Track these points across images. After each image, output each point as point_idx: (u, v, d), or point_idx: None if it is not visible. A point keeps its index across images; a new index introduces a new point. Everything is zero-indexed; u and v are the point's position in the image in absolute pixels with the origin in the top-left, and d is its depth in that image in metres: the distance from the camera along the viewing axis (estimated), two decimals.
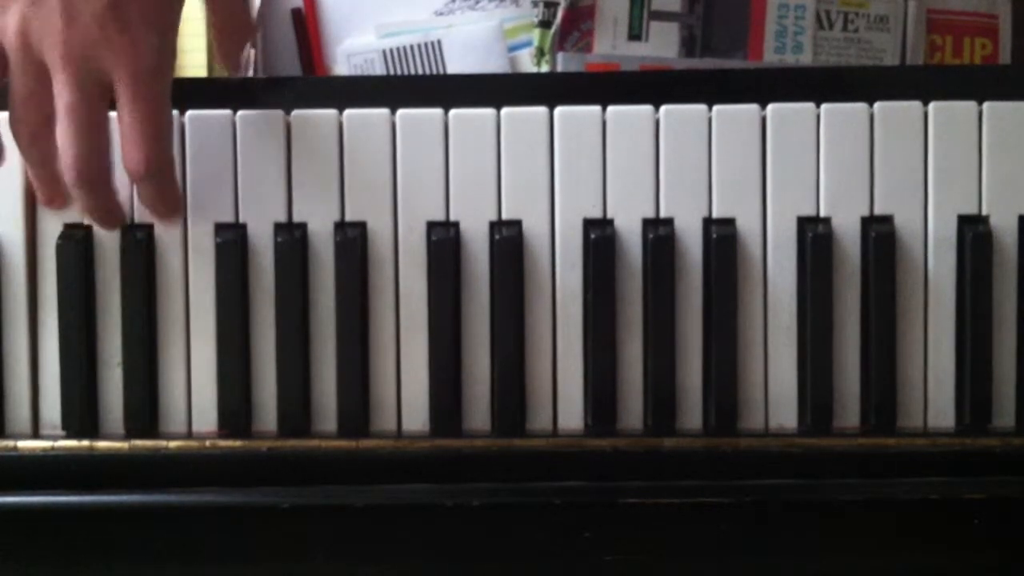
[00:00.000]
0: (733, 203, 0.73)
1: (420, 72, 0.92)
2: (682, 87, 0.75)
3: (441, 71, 0.92)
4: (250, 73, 0.78)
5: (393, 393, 0.73)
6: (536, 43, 0.92)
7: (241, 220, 0.73)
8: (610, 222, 0.73)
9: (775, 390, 0.73)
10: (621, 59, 0.91)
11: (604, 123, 0.73)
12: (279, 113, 0.74)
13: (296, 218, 0.74)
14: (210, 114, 0.73)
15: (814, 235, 0.72)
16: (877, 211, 0.73)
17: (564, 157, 0.73)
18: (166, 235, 0.73)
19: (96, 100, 0.68)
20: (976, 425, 0.72)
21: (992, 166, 0.73)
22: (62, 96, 0.68)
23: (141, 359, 0.73)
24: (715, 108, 0.73)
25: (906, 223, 0.73)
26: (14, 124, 0.70)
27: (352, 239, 0.73)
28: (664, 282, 0.72)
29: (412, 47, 0.93)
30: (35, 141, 0.69)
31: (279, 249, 0.73)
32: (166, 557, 0.70)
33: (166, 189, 0.71)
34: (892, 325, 0.72)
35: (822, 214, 0.73)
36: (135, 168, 0.68)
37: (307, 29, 0.94)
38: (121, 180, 0.71)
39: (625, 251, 0.73)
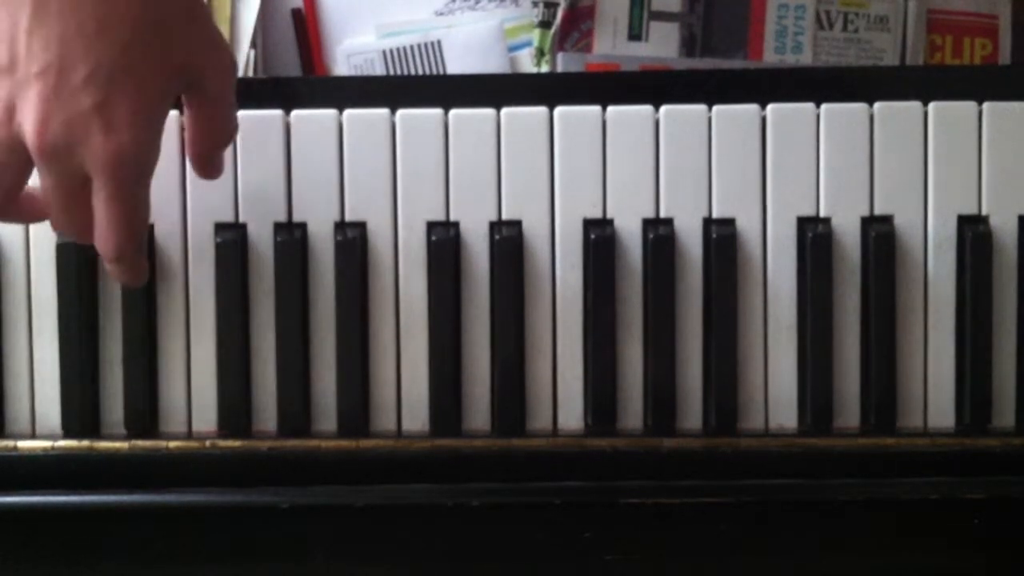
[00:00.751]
0: (733, 203, 0.73)
1: (420, 72, 0.92)
2: (682, 87, 0.75)
3: (441, 71, 0.92)
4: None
5: (393, 393, 0.73)
6: (536, 43, 0.92)
7: (241, 220, 0.73)
8: (610, 222, 0.73)
9: (775, 390, 0.73)
10: (621, 59, 0.91)
11: (604, 123, 0.73)
12: (279, 113, 0.74)
13: (296, 218, 0.74)
14: None
15: (814, 235, 0.72)
16: (877, 211, 0.73)
17: (564, 157, 0.73)
18: (166, 235, 0.73)
19: (75, 189, 0.65)
20: (976, 425, 0.72)
21: (992, 166, 0.73)
22: (43, 179, 0.65)
23: (141, 359, 0.73)
24: (715, 108, 0.73)
25: (906, 223, 0.73)
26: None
27: (352, 239, 0.73)
28: (664, 282, 0.72)
29: (412, 47, 0.93)
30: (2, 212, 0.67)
31: (279, 249, 0.73)
32: (166, 557, 0.70)
33: (133, 269, 0.69)
34: (892, 325, 0.72)
35: (822, 214, 0.73)
36: (105, 253, 0.66)
37: (307, 29, 0.94)
38: None
39: (625, 251, 0.73)
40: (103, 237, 0.66)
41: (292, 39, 0.94)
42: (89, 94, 0.62)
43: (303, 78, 0.91)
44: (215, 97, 0.68)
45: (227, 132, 0.70)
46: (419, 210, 0.73)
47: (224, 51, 0.68)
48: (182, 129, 0.73)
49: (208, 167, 0.71)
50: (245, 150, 0.73)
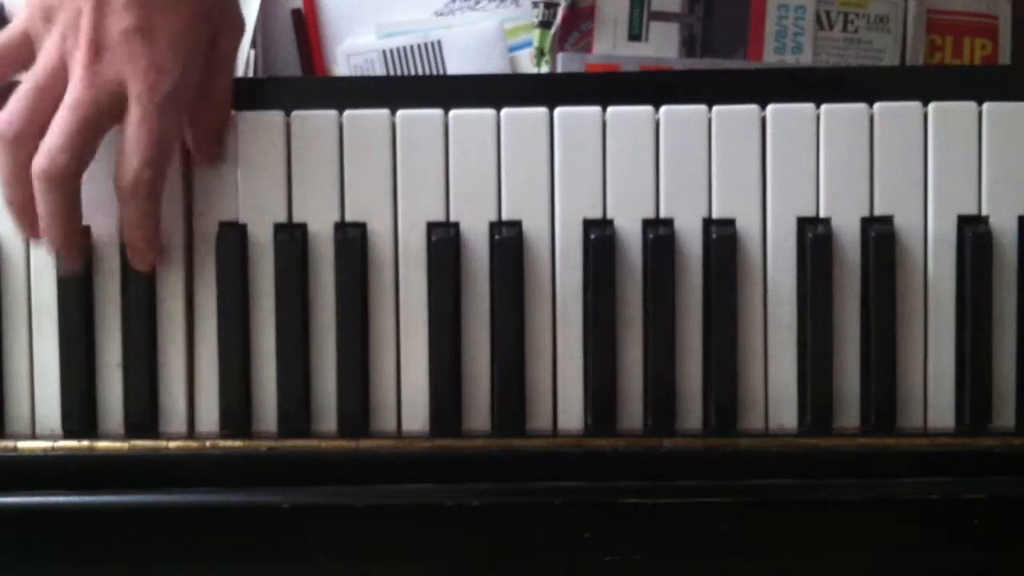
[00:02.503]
0: (733, 203, 0.73)
1: (420, 72, 0.92)
2: (682, 87, 0.75)
3: (441, 71, 0.92)
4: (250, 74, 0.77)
5: (393, 393, 0.73)
6: (536, 43, 0.92)
7: (241, 220, 0.74)
8: (610, 222, 0.73)
9: (775, 390, 0.73)
10: (621, 59, 0.91)
11: (604, 123, 0.73)
12: (279, 113, 0.74)
13: (296, 218, 0.74)
14: None
15: (814, 235, 0.72)
16: (877, 211, 0.73)
17: (564, 157, 0.73)
18: (167, 235, 0.73)
19: (101, 104, 0.68)
20: (976, 425, 0.72)
21: (992, 166, 0.73)
22: (71, 92, 0.68)
23: (141, 359, 0.73)
24: (715, 108, 0.73)
25: (906, 223, 0.73)
26: (5, 115, 0.69)
27: (352, 239, 0.73)
28: (664, 282, 0.72)
29: (412, 47, 0.93)
30: (19, 140, 0.68)
31: (279, 249, 0.73)
32: (166, 557, 0.70)
33: (145, 220, 0.70)
34: (892, 325, 0.72)
35: (822, 214, 0.73)
36: (123, 182, 0.68)
37: (307, 29, 0.94)
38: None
39: (625, 251, 0.73)
40: (124, 164, 0.68)
41: (292, 39, 0.95)
42: (131, 13, 0.68)
43: (303, 78, 0.91)
44: (225, 57, 0.72)
45: (226, 103, 0.73)
46: (419, 210, 0.73)
47: (240, 13, 0.74)
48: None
49: (207, 145, 0.72)
50: (245, 150, 0.73)
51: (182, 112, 0.70)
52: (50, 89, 0.69)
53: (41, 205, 0.69)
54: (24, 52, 0.71)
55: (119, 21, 0.68)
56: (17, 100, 0.69)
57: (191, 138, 0.73)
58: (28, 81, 0.69)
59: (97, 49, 0.68)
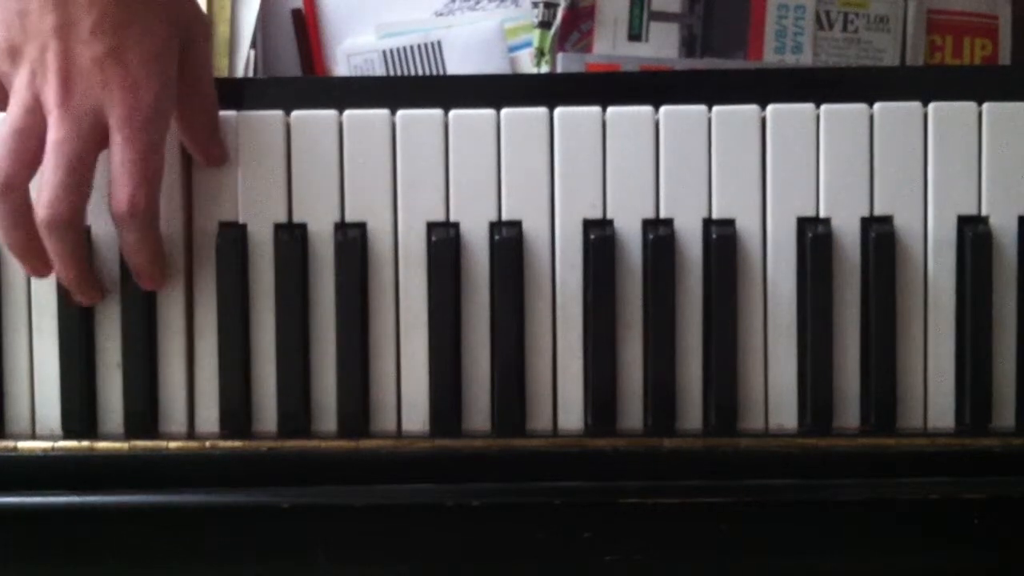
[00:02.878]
0: (733, 203, 0.73)
1: (420, 72, 0.92)
2: (682, 87, 0.75)
3: (441, 71, 0.92)
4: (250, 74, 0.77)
5: (393, 393, 0.73)
6: (536, 44, 0.92)
7: (241, 220, 0.74)
8: (610, 222, 0.73)
9: (775, 390, 0.73)
10: (621, 59, 0.91)
11: (604, 123, 0.73)
12: (279, 113, 0.74)
13: (296, 218, 0.74)
14: None
15: (814, 235, 0.72)
16: (877, 211, 0.73)
17: (564, 157, 0.73)
18: (166, 235, 0.73)
19: (85, 138, 0.67)
20: (976, 425, 0.72)
21: (992, 166, 0.73)
22: (52, 133, 0.67)
23: (141, 359, 0.73)
24: (715, 108, 0.73)
25: (906, 223, 0.73)
26: None
27: (352, 239, 0.73)
28: (664, 282, 0.72)
29: (412, 47, 0.93)
30: (9, 189, 0.68)
31: (279, 249, 0.73)
32: (166, 557, 0.70)
33: (148, 239, 0.70)
34: (892, 325, 0.72)
35: (822, 214, 0.73)
36: (118, 208, 0.68)
37: (307, 29, 0.94)
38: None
39: (625, 251, 0.73)
40: (118, 190, 0.68)
41: (292, 39, 0.95)
42: (99, 40, 0.68)
43: (303, 78, 0.91)
44: (202, 59, 0.72)
45: (214, 104, 0.73)
46: (419, 210, 0.73)
47: (206, 18, 0.74)
48: None
49: (212, 139, 0.72)
50: (245, 150, 0.73)
51: (165, 127, 0.69)
52: (29, 128, 0.68)
53: (50, 250, 0.69)
54: None
55: (88, 48, 0.67)
56: (1, 147, 0.68)
57: (190, 146, 0.72)
58: (5, 125, 0.68)
59: (68, 81, 0.67)
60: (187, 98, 0.71)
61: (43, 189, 0.67)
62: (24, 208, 0.68)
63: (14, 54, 0.69)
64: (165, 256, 0.72)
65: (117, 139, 0.68)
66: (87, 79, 0.67)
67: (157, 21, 0.69)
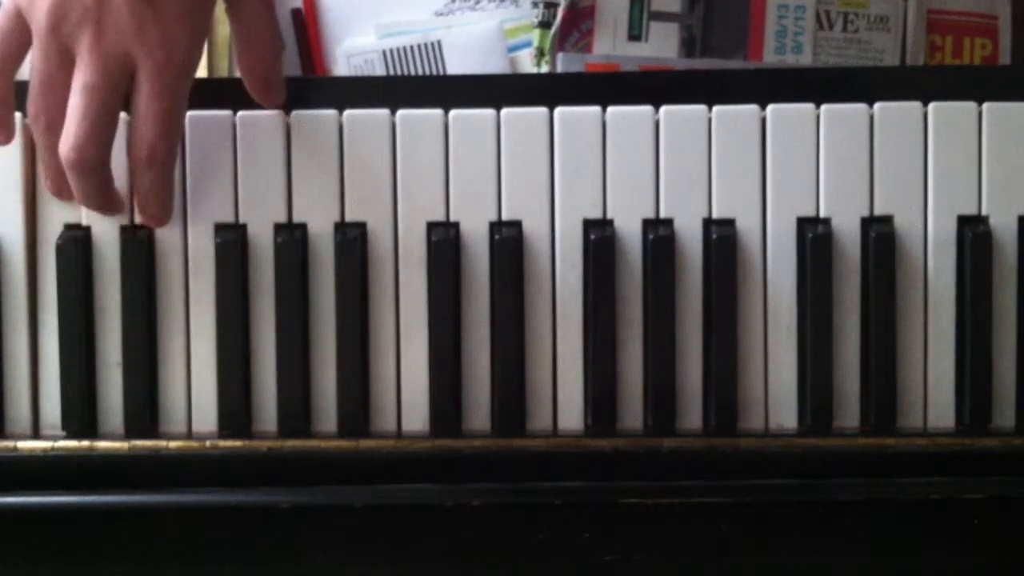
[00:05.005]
0: (733, 203, 0.73)
1: (420, 72, 0.92)
2: (682, 87, 0.75)
3: (441, 71, 0.92)
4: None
5: (393, 393, 0.73)
6: (536, 43, 0.92)
7: (241, 220, 0.74)
8: (610, 222, 0.73)
9: (775, 390, 0.73)
10: (621, 59, 0.91)
11: (604, 123, 0.73)
12: (279, 113, 0.74)
13: (296, 218, 0.74)
14: (210, 114, 0.73)
15: (814, 235, 0.72)
16: (877, 211, 0.73)
17: (564, 157, 0.73)
18: (166, 235, 0.73)
19: (115, 85, 0.68)
20: (976, 425, 0.72)
21: (992, 166, 0.73)
22: (81, 76, 0.68)
23: (141, 359, 0.73)
24: (715, 108, 0.73)
25: (906, 223, 0.73)
26: (32, 109, 0.70)
27: (352, 239, 0.73)
28: (664, 282, 0.72)
29: (412, 47, 0.93)
30: (51, 128, 0.69)
31: (279, 249, 0.73)
32: (166, 557, 0.70)
33: (162, 187, 0.71)
34: (892, 325, 0.72)
35: (822, 214, 0.73)
36: (139, 155, 0.69)
37: (307, 29, 0.94)
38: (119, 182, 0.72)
39: (625, 251, 0.73)
40: (140, 138, 0.68)
41: (292, 39, 0.94)
42: None
43: (303, 78, 0.91)
44: (250, 6, 0.72)
45: (271, 40, 0.73)
46: (419, 210, 0.73)
47: None
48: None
49: (264, 86, 0.72)
50: (245, 150, 0.73)
51: (190, 82, 0.70)
52: (58, 72, 0.68)
53: (76, 190, 0.70)
54: (23, 28, 0.70)
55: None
56: (36, 89, 0.69)
57: (249, 87, 0.73)
58: (37, 71, 0.69)
59: (102, 27, 0.68)
60: (243, 42, 0.72)
61: (69, 132, 0.68)
62: (5, 98, 0.70)
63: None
64: (173, 198, 0.72)
65: (145, 90, 0.68)
66: (121, 27, 0.68)
67: None
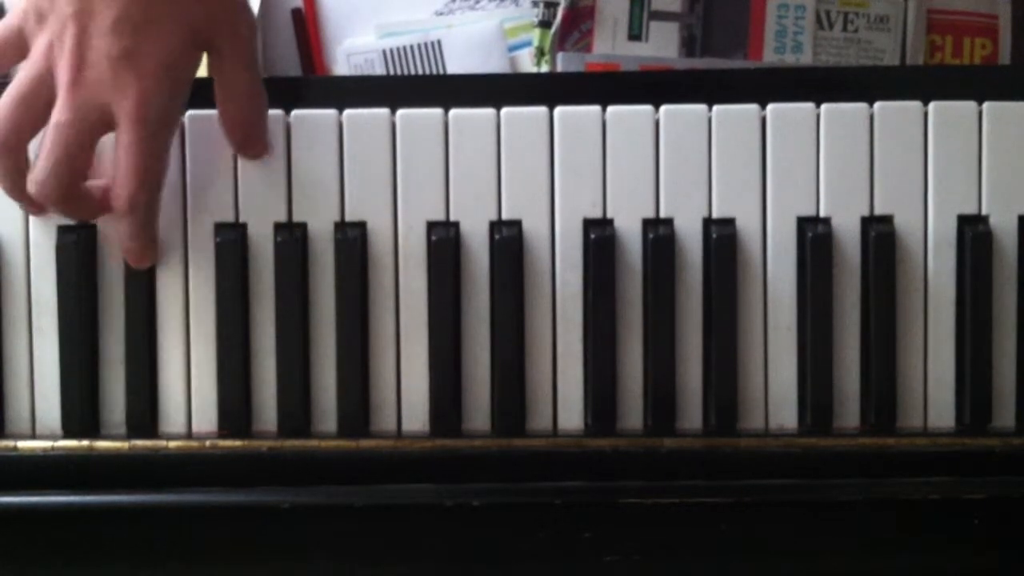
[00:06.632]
0: (733, 203, 0.73)
1: (420, 72, 0.92)
2: (682, 87, 0.75)
3: (441, 71, 0.92)
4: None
5: (393, 393, 0.73)
6: (536, 43, 0.92)
7: (241, 220, 0.74)
8: (610, 222, 0.73)
9: (775, 390, 0.73)
10: (621, 59, 0.91)
11: (604, 123, 0.73)
12: (279, 113, 0.74)
13: (296, 218, 0.74)
14: (210, 114, 0.73)
15: (814, 235, 0.72)
16: (877, 211, 0.73)
17: (564, 157, 0.73)
18: (166, 235, 0.73)
19: (88, 129, 0.68)
20: (976, 425, 0.72)
21: (992, 166, 0.73)
22: (58, 113, 0.68)
23: (141, 359, 0.73)
24: (715, 108, 0.73)
25: (906, 223, 0.73)
26: None
27: (352, 239, 0.73)
28: (664, 282, 0.72)
29: (412, 47, 0.93)
30: (7, 150, 0.69)
31: (279, 249, 0.73)
32: (166, 557, 0.70)
33: (143, 230, 0.70)
34: (892, 325, 0.72)
35: (822, 214, 0.73)
36: (118, 205, 0.69)
37: (307, 29, 0.94)
38: None
39: (625, 251, 0.73)
40: (120, 185, 0.68)
41: (292, 39, 0.95)
42: (117, 38, 0.67)
43: (303, 78, 0.91)
44: (231, 60, 0.71)
45: (250, 98, 0.72)
46: (419, 210, 0.73)
47: (242, 14, 0.72)
48: (182, 129, 0.73)
49: (244, 141, 0.72)
50: None
51: (172, 134, 0.70)
52: (36, 96, 0.69)
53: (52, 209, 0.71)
54: (20, 45, 0.71)
55: (104, 43, 0.67)
56: (3, 109, 0.69)
57: (230, 140, 0.72)
58: (14, 88, 0.69)
59: (80, 70, 0.68)
60: (222, 99, 0.71)
61: (38, 162, 0.68)
62: (22, 168, 0.69)
63: (40, 17, 0.69)
64: (158, 243, 0.72)
65: (123, 140, 0.68)
66: (99, 74, 0.67)
67: (176, 25, 0.69)
